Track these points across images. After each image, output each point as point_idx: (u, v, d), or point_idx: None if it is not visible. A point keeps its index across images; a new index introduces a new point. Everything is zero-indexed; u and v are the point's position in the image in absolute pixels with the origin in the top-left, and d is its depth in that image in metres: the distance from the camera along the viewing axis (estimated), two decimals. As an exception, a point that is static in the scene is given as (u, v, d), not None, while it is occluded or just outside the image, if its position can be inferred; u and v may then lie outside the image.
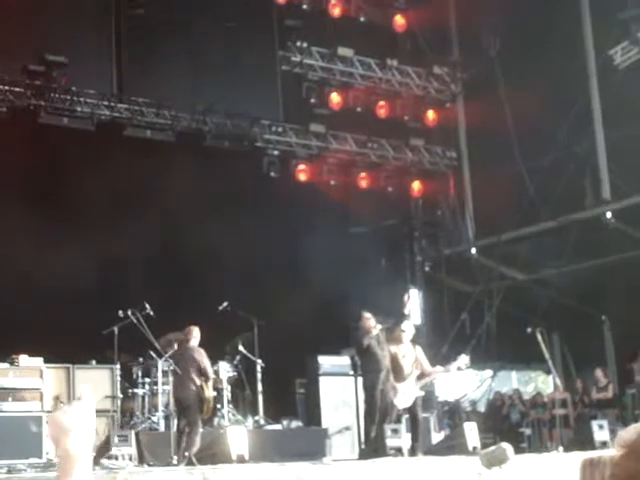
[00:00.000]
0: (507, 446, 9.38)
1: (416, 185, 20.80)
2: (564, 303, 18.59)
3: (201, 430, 12.09)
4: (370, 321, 13.00)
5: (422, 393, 13.06)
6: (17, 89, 15.93)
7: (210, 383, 12.43)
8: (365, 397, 13.38)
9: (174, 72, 16.91)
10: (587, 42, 18.08)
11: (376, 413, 12.71)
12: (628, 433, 1.73)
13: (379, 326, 13.02)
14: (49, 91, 16.08)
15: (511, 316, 18.45)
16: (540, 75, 17.93)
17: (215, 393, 12.82)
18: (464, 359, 13.33)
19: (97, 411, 12.55)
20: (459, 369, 13.61)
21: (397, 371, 12.97)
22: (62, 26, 15.80)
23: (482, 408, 20.12)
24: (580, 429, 15.41)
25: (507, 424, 18.69)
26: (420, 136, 20.67)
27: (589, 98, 17.99)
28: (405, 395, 12.89)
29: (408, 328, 13.34)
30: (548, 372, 16.81)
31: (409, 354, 13.15)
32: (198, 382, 12.22)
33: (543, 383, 24.35)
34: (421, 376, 13.12)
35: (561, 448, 13.35)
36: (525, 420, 18.29)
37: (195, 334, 12.53)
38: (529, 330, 13.48)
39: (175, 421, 12.34)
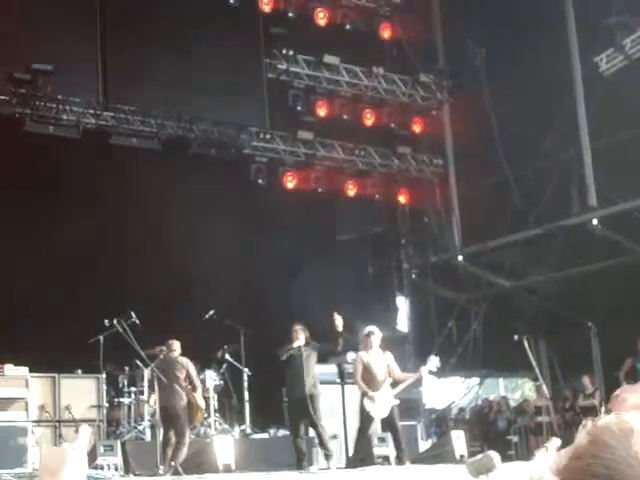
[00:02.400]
0: (494, 454, 9.36)
1: (403, 193, 20.83)
2: (551, 310, 18.61)
3: (188, 441, 12.04)
4: (297, 333, 12.92)
5: (397, 401, 12.86)
6: (2, 97, 15.88)
7: (199, 392, 12.40)
8: (287, 408, 13.31)
9: (160, 80, 16.88)
10: (572, 49, 18.12)
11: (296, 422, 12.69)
12: (560, 459, 1.71)
13: (303, 339, 12.91)
14: (35, 99, 16.04)
15: (498, 323, 18.47)
16: (526, 82, 17.97)
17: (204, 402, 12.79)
18: (434, 361, 13.06)
19: (83, 420, 12.56)
20: (430, 372, 13.41)
21: (370, 379, 12.77)
22: (48, 34, 15.75)
23: (469, 416, 20.11)
24: (567, 436, 15.41)
25: (494, 431, 18.69)
26: (407, 144, 20.70)
27: (575, 105, 18.03)
28: (381, 405, 12.68)
29: (373, 331, 13.13)
30: (535, 379, 16.81)
31: (380, 361, 12.95)
32: (187, 390, 12.19)
33: (530, 390, 24.36)
34: (394, 384, 12.92)
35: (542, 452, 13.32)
36: (512, 427, 18.29)
37: (177, 347, 12.55)
38: (516, 337, 13.46)
39: (161, 430, 12.28)
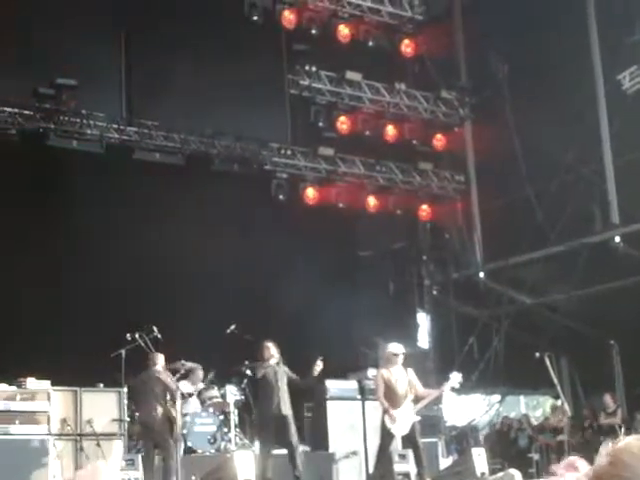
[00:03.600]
0: (515, 472, 9.33)
1: (424, 209, 20.81)
2: (573, 328, 18.52)
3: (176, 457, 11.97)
4: (270, 350, 12.89)
5: (418, 418, 12.84)
6: (27, 112, 16.01)
7: (178, 403, 12.33)
8: (257, 427, 13.31)
9: (183, 95, 16.96)
10: (595, 67, 18.08)
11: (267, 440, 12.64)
12: (597, 466, 1.71)
13: (276, 357, 12.88)
14: (58, 114, 16.15)
15: (519, 340, 18.39)
16: (548, 99, 17.96)
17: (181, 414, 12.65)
18: (456, 377, 13.03)
19: (104, 434, 12.60)
20: (453, 389, 13.38)
21: (391, 396, 12.74)
22: (72, 49, 15.87)
23: (490, 433, 20.01)
24: (588, 455, 15.29)
25: (515, 449, 18.59)
26: (428, 160, 20.70)
27: (597, 122, 17.99)
28: (402, 422, 12.65)
29: (399, 350, 13.11)
30: (556, 397, 16.72)
31: (402, 377, 12.93)
32: (164, 403, 12.17)
33: (551, 408, 24.21)
34: (416, 400, 12.91)
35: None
36: (533, 445, 18.18)
37: (160, 361, 12.52)
38: (537, 355, 13.39)
39: (143, 448, 12.33)
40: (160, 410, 12.15)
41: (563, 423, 14.37)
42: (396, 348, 13.08)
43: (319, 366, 12.84)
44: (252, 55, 17.72)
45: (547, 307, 19.27)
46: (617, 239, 17.49)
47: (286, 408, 12.68)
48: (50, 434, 12.32)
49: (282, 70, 18.63)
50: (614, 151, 17.82)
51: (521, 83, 18.71)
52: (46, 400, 12.56)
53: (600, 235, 17.96)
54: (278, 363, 12.87)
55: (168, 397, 12.30)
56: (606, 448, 1.72)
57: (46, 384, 12.73)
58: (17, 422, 12.29)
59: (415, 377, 13.05)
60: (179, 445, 12.40)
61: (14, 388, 12.62)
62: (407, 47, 20.43)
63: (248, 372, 14.14)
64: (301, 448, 13.30)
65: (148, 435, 12.23)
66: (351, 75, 19.27)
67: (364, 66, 19.47)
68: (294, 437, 12.65)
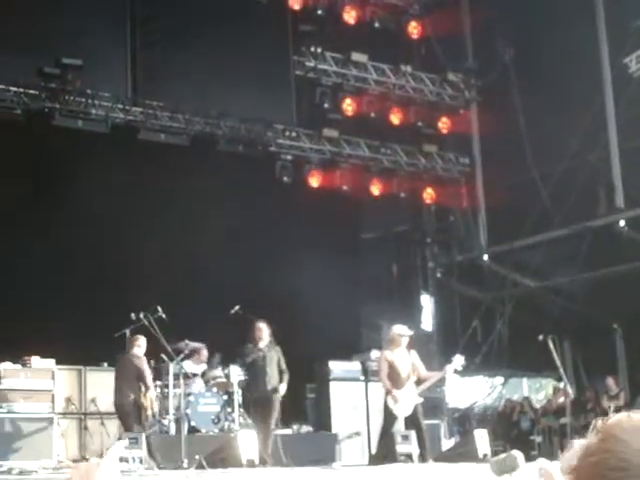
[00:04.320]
0: (518, 454, 9.30)
1: (429, 191, 20.79)
2: (576, 311, 18.53)
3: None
4: (262, 331, 12.91)
5: (421, 399, 12.90)
6: (32, 92, 15.98)
7: (150, 392, 12.32)
8: (245, 406, 13.34)
9: (188, 76, 16.92)
10: (602, 50, 18.03)
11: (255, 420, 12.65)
12: (568, 459, 1.72)
13: (268, 338, 12.91)
14: (64, 94, 16.13)
15: (523, 323, 18.40)
16: (554, 82, 17.92)
17: (154, 401, 12.57)
18: (459, 359, 13.08)
19: (108, 414, 12.65)
20: (456, 371, 13.43)
21: (394, 377, 12.80)
22: (78, 29, 15.83)
23: (492, 415, 20.07)
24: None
25: (517, 431, 18.65)
26: (433, 142, 20.67)
27: (604, 106, 17.95)
28: (404, 403, 12.72)
29: (405, 331, 13.15)
30: (559, 380, 16.76)
31: (405, 359, 12.98)
32: (137, 389, 12.16)
33: (554, 391, 24.27)
34: (418, 382, 12.96)
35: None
36: (536, 428, 18.24)
37: (140, 343, 12.51)
38: (541, 337, 13.42)
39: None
40: (132, 395, 12.14)
41: (565, 405, 14.40)
42: (402, 330, 13.13)
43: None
44: (258, 36, 17.68)
45: (551, 290, 19.29)
46: (622, 223, 17.49)
47: (272, 392, 12.75)
48: (54, 412, 12.39)
49: (288, 51, 18.57)
50: (620, 135, 17.79)
51: (527, 66, 18.66)
52: (50, 379, 12.64)
53: (605, 219, 17.96)
54: (269, 346, 12.91)
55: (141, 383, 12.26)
56: (597, 425, 1.74)
57: (51, 363, 12.81)
58: (22, 400, 12.38)
59: (418, 359, 13.10)
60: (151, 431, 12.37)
61: (19, 367, 12.70)
62: (414, 29, 20.37)
63: (237, 362, 14.03)
64: (280, 432, 13.39)
65: (121, 418, 12.25)
66: (357, 57, 19.22)
67: (370, 48, 19.41)
68: (272, 421, 12.74)
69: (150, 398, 12.30)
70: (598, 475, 1.55)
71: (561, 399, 16.04)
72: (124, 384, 12.26)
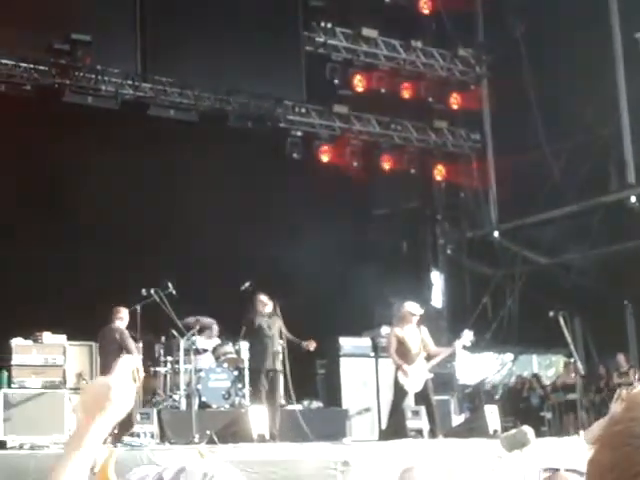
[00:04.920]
0: (528, 429, 9.34)
1: (439, 168, 20.74)
2: (587, 287, 18.51)
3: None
4: (264, 303, 12.91)
5: (431, 375, 12.94)
6: (42, 68, 15.97)
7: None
8: (250, 380, 13.28)
9: (198, 52, 16.87)
10: (614, 25, 17.91)
11: (262, 394, 12.63)
12: (594, 430, 1.71)
13: (270, 304, 12.93)
14: (74, 70, 16.11)
15: (533, 300, 18.38)
16: (566, 57, 17.82)
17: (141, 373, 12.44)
18: (468, 335, 13.10)
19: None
20: (464, 346, 13.44)
21: (404, 353, 12.84)
22: (87, 5, 15.80)
23: (502, 392, 20.10)
24: (601, 414, 15.38)
25: (527, 408, 18.67)
26: (444, 118, 20.59)
27: (615, 81, 17.85)
28: (415, 379, 12.76)
29: (417, 310, 13.17)
30: (569, 356, 16.75)
31: (415, 335, 13.02)
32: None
33: (564, 367, 24.27)
34: (428, 358, 13.00)
35: (582, 432, 13.30)
36: (546, 404, 18.27)
37: (121, 315, 12.45)
38: (551, 314, 13.40)
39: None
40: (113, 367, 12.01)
41: (575, 381, 14.41)
42: (414, 308, 13.16)
43: (311, 346, 12.96)
44: (268, 11, 17.60)
45: (562, 267, 19.26)
46: (633, 199, 17.44)
47: (278, 363, 12.78)
48: (66, 388, 12.42)
49: (298, 27, 18.49)
50: (631, 110, 17.70)
51: (538, 41, 18.55)
52: (62, 354, 12.67)
53: (616, 195, 17.91)
54: (271, 316, 12.94)
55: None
56: (621, 395, 1.72)
57: (62, 339, 12.83)
58: (33, 376, 12.41)
59: (428, 335, 13.13)
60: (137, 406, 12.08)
61: (30, 342, 12.73)
62: (424, 4, 20.22)
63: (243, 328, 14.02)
64: (291, 407, 13.43)
65: None
66: (367, 32, 19.13)
67: (380, 23, 19.32)
68: (280, 395, 12.77)
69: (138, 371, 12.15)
70: (623, 443, 1.54)
71: (572, 375, 16.05)
72: (110, 358, 11.98)
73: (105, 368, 12.15)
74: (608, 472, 1.52)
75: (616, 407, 1.71)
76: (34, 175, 15.15)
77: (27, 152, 15.00)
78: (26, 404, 12.02)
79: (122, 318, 12.47)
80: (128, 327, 13.20)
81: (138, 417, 11.67)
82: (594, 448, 1.60)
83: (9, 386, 12.65)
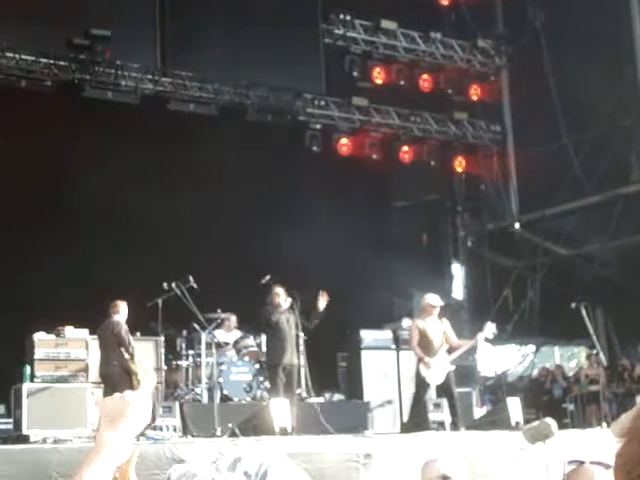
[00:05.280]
0: (551, 421, 9.29)
1: (459, 159, 20.67)
2: (608, 278, 18.42)
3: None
4: (280, 296, 12.87)
5: (453, 367, 12.92)
6: (62, 63, 16.04)
7: (135, 355, 11.97)
8: (269, 374, 13.24)
9: (217, 46, 16.90)
10: (634, 13, 17.79)
11: (280, 388, 12.60)
12: (622, 423, 1.69)
13: (289, 300, 12.90)
14: (93, 65, 16.16)
15: (554, 291, 18.32)
16: (586, 47, 17.71)
17: (142, 364, 12.13)
18: (490, 327, 13.05)
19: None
20: (487, 339, 13.40)
21: (426, 345, 12.81)
22: (106, 0, 15.84)
23: (525, 384, 20.03)
24: (625, 405, 15.31)
25: (550, 400, 18.61)
26: (464, 110, 20.53)
27: (636, 72, 17.74)
28: (437, 371, 12.74)
29: (437, 302, 13.14)
30: (591, 348, 16.67)
31: (437, 327, 12.99)
32: (121, 357, 11.87)
33: (586, 359, 24.17)
34: (450, 350, 12.98)
35: (605, 424, 13.25)
36: (568, 396, 18.19)
37: (119, 309, 12.24)
38: (573, 305, 13.34)
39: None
40: (117, 363, 11.88)
41: (598, 373, 14.34)
42: (434, 300, 13.13)
43: (324, 298, 12.93)
44: (286, 4, 17.58)
45: (583, 258, 19.17)
46: (654, 189, 17.35)
47: (295, 357, 12.77)
48: (88, 382, 12.47)
49: (317, 19, 18.46)
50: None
51: (558, 31, 18.46)
52: (84, 348, 12.71)
53: (636, 185, 17.81)
54: (290, 310, 12.93)
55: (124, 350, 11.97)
56: (616, 430, 1.70)
57: (84, 332, 12.87)
58: (55, 370, 12.46)
59: (450, 327, 13.11)
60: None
61: (53, 337, 12.78)
62: (443, -5, 20.19)
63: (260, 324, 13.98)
64: (312, 400, 13.42)
65: (107, 389, 11.87)
66: (386, 24, 19.09)
67: (399, 15, 19.26)
68: (297, 388, 12.76)
69: (137, 364, 11.95)
70: None
71: (595, 367, 15.97)
72: (109, 353, 12.02)
73: (104, 362, 12.12)
74: (636, 465, 1.51)
75: None
76: (55, 170, 15.20)
77: (47, 147, 15.05)
78: (49, 398, 12.07)
79: (120, 312, 12.24)
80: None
81: (160, 410, 11.70)
82: (622, 441, 1.58)
83: (32, 380, 12.71)
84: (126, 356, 11.90)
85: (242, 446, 9.59)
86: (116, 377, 11.88)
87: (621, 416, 1.86)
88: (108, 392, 11.50)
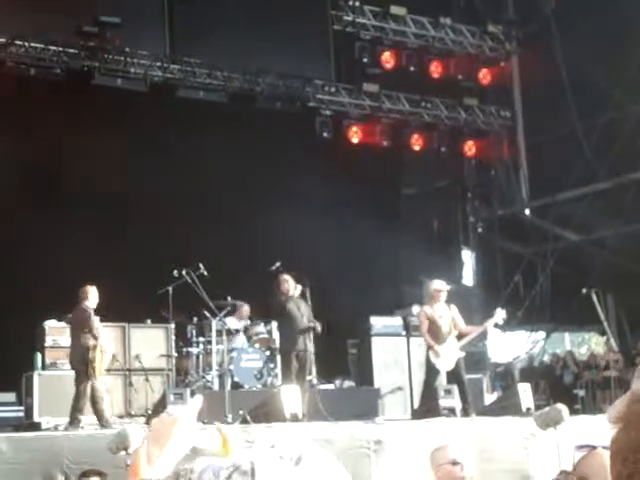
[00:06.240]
0: (562, 407, 9.30)
1: (469, 145, 20.62)
2: (619, 264, 18.37)
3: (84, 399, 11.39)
4: (288, 283, 12.84)
5: (463, 354, 12.90)
6: (71, 50, 16.04)
7: (99, 343, 11.60)
8: (282, 361, 13.19)
9: (226, 33, 16.87)
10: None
11: (292, 374, 12.53)
12: (617, 408, 1.68)
13: (299, 288, 12.87)
14: (103, 52, 16.17)
15: (565, 277, 18.29)
16: (597, 32, 17.62)
17: (105, 354, 11.80)
18: (500, 313, 13.02)
19: (152, 370, 12.71)
20: (496, 325, 13.36)
21: (435, 332, 12.77)
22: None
23: (535, 369, 20.02)
24: None
25: (560, 385, 18.59)
26: (474, 95, 20.46)
27: (647, 56, 17.65)
28: (447, 357, 12.73)
29: (443, 286, 13.11)
30: (602, 333, 16.68)
31: (445, 314, 12.96)
32: (85, 344, 11.56)
33: (597, 345, 24.14)
34: (459, 336, 12.95)
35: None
36: (579, 382, 18.18)
37: (88, 295, 11.86)
38: (584, 291, 13.32)
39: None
40: (80, 350, 11.60)
41: (610, 359, 14.33)
42: (439, 284, 13.09)
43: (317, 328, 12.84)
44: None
45: (594, 244, 19.12)
46: (666, 175, 17.28)
47: (309, 343, 12.76)
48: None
49: (326, 5, 18.42)
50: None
51: (569, 16, 18.36)
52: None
53: (648, 171, 17.74)
54: (300, 297, 12.91)
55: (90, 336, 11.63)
56: (611, 416, 1.69)
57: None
58: (65, 357, 12.49)
59: (458, 314, 13.07)
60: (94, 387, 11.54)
61: (63, 324, 12.82)
62: (452, -20, 20.12)
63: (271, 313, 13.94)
64: (323, 387, 13.42)
65: (75, 376, 11.71)
66: (395, 10, 19.02)
67: (409, 0, 19.18)
68: (309, 374, 12.75)
69: (100, 352, 11.60)
70: None
71: (610, 354, 15.94)
72: (74, 341, 11.86)
73: (74, 349, 11.87)
74: (632, 452, 1.50)
75: (637, 384, 1.68)
76: (63, 158, 15.19)
77: (58, 135, 15.05)
78: (60, 386, 12.11)
79: (88, 297, 11.84)
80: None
81: (172, 397, 11.73)
82: (617, 427, 1.57)
83: (43, 368, 12.77)
84: (91, 342, 11.55)
85: (275, 433, 9.60)
86: (77, 364, 11.66)
87: (615, 401, 1.84)
88: (75, 380, 11.54)
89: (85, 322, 11.74)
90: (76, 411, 11.22)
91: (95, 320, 11.77)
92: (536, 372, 19.74)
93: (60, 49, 15.93)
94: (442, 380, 12.97)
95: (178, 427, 2.02)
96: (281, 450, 1.85)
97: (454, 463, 4.98)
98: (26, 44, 15.62)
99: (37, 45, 15.75)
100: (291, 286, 12.86)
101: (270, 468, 1.81)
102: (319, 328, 12.80)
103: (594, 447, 3.80)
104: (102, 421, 11.36)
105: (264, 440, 1.88)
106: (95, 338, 11.60)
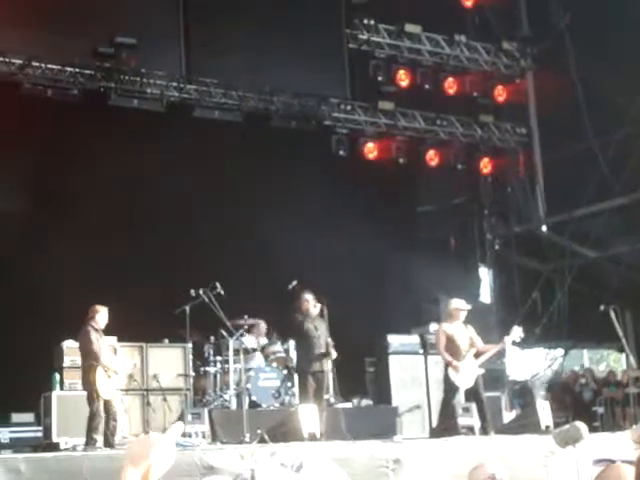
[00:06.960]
0: (581, 425, 9.21)
1: (485, 162, 20.60)
2: (637, 280, 18.28)
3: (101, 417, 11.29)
4: (309, 303, 12.83)
5: (482, 371, 12.87)
6: (87, 71, 16.13)
7: (101, 364, 11.45)
8: (299, 380, 13.14)
9: (241, 52, 16.93)
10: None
11: (310, 394, 12.50)
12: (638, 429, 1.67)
13: (318, 306, 12.85)
14: (119, 73, 16.25)
15: (583, 294, 18.21)
16: (611, 47, 17.60)
17: (111, 373, 11.67)
18: (517, 331, 12.99)
19: (170, 389, 12.72)
20: (514, 342, 13.33)
21: (454, 350, 12.76)
22: (131, 8, 15.92)
23: (554, 387, 19.92)
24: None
25: (579, 403, 18.49)
26: (489, 113, 20.44)
27: (663, 71, 17.61)
28: (465, 375, 12.70)
29: (464, 306, 13.09)
30: (621, 350, 16.56)
31: (463, 332, 12.94)
32: (86, 366, 11.49)
33: (615, 362, 24.02)
34: (476, 355, 12.92)
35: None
36: (598, 399, 18.08)
37: (95, 315, 11.68)
38: (602, 308, 13.23)
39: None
40: (84, 369, 11.54)
41: (629, 376, 14.23)
42: (460, 304, 13.08)
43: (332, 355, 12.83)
44: (310, 10, 17.59)
45: (611, 260, 19.03)
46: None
47: (325, 363, 12.73)
48: (118, 389, 12.51)
49: (341, 24, 18.47)
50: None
51: (583, 32, 18.34)
52: (113, 355, 12.76)
53: (665, 186, 17.67)
54: (319, 316, 12.90)
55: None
56: (635, 437, 1.68)
57: (112, 340, 12.93)
58: (85, 377, 12.49)
59: (475, 333, 13.06)
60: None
61: (81, 344, 12.82)
62: (467, -3, 20.14)
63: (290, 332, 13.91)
64: (341, 405, 13.38)
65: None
66: (410, 28, 19.05)
67: (423, 18, 19.22)
68: (326, 394, 12.72)
69: (104, 372, 11.45)
70: None
71: (629, 371, 15.82)
72: (81, 361, 11.78)
73: (82, 370, 11.76)
74: None
75: None
76: (80, 176, 15.26)
77: (75, 156, 15.12)
78: (78, 406, 12.11)
79: (95, 318, 11.69)
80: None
81: (189, 417, 11.73)
82: None
83: (61, 388, 12.79)
84: (88, 363, 11.44)
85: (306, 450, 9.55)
86: (83, 385, 11.64)
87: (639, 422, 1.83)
88: (87, 400, 11.47)
89: (84, 343, 11.66)
90: (91, 431, 11.18)
91: (94, 341, 11.53)
92: (555, 389, 19.66)
93: (76, 70, 16.01)
94: (460, 398, 12.92)
95: (155, 449, 2.03)
96: (282, 457, 1.85)
97: (494, 479, 4.99)
98: (43, 65, 15.72)
99: (53, 66, 15.84)
100: (311, 305, 12.86)
101: (271, 476, 1.81)
102: (334, 355, 12.80)
103: (612, 461, 3.78)
104: (109, 440, 11.29)
105: (265, 450, 1.89)
106: (95, 359, 11.47)
